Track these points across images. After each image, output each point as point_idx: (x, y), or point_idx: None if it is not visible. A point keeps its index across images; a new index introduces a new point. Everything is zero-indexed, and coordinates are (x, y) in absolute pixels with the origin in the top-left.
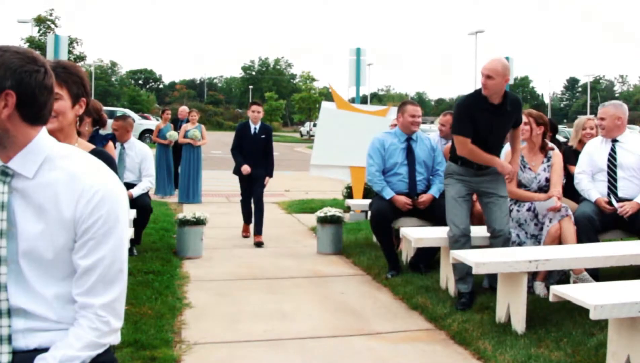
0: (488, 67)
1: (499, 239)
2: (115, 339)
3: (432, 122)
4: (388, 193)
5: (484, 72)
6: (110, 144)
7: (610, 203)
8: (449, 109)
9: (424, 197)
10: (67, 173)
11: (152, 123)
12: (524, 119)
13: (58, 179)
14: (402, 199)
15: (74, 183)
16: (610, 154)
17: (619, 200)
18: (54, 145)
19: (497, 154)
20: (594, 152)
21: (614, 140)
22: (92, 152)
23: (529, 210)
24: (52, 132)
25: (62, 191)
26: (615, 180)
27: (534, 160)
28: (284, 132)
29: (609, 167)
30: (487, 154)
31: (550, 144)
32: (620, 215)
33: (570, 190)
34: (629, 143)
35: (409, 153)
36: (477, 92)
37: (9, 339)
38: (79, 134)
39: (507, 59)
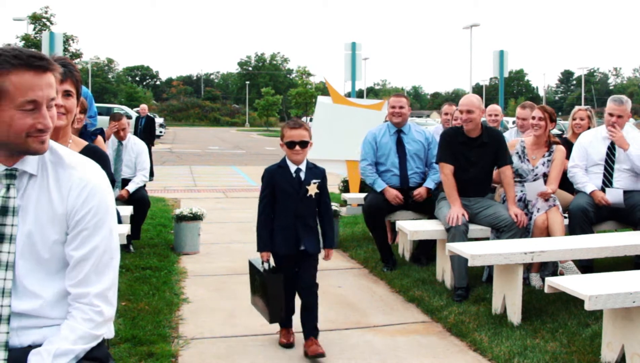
0: (466, 103)
1: (517, 230)
2: (109, 333)
3: (428, 116)
4: (379, 186)
5: (464, 109)
6: (100, 138)
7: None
8: (446, 102)
9: (418, 190)
10: (56, 169)
11: None
12: (539, 113)
13: (49, 175)
14: (393, 192)
15: (63, 179)
16: (609, 148)
17: None
18: None
19: (483, 190)
20: (589, 146)
21: None
22: (86, 148)
23: (519, 200)
24: (60, 129)
25: (53, 187)
26: (611, 173)
27: (535, 153)
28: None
29: (606, 160)
30: (454, 192)
31: (556, 138)
32: (614, 207)
33: (565, 182)
34: (627, 136)
35: (399, 145)
36: (458, 127)
37: (6, 345)
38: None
39: (501, 52)
